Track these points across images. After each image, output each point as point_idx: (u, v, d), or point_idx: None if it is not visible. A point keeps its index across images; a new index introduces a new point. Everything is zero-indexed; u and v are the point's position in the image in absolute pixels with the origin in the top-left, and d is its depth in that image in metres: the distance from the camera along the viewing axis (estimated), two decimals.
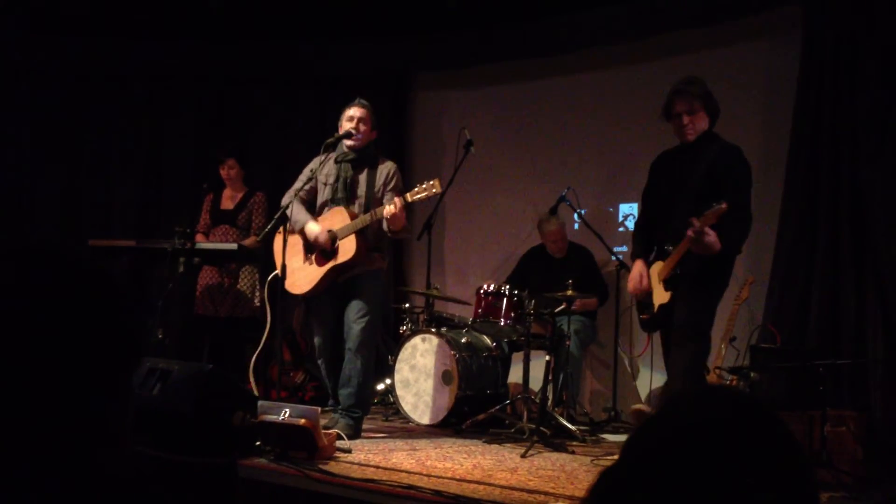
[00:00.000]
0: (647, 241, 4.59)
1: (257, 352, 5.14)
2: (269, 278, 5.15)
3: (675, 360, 4.31)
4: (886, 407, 4.91)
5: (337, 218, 4.92)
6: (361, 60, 7.53)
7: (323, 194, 5.04)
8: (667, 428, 0.93)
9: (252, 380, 5.23)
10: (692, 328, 4.24)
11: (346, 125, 5.00)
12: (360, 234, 4.85)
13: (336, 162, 5.02)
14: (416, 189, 4.79)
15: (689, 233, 4.06)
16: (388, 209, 4.68)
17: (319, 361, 5.18)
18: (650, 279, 4.47)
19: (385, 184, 4.98)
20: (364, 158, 5.02)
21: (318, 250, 4.95)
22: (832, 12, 5.46)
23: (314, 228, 4.90)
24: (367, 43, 7.50)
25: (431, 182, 4.78)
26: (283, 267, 4.78)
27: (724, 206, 3.97)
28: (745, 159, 4.30)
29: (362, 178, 5.00)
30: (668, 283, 4.35)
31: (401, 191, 4.92)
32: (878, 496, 4.06)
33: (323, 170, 5.05)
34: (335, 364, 5.03)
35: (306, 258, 4.99)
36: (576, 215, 6.46)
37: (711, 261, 4.16)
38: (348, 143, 4.99)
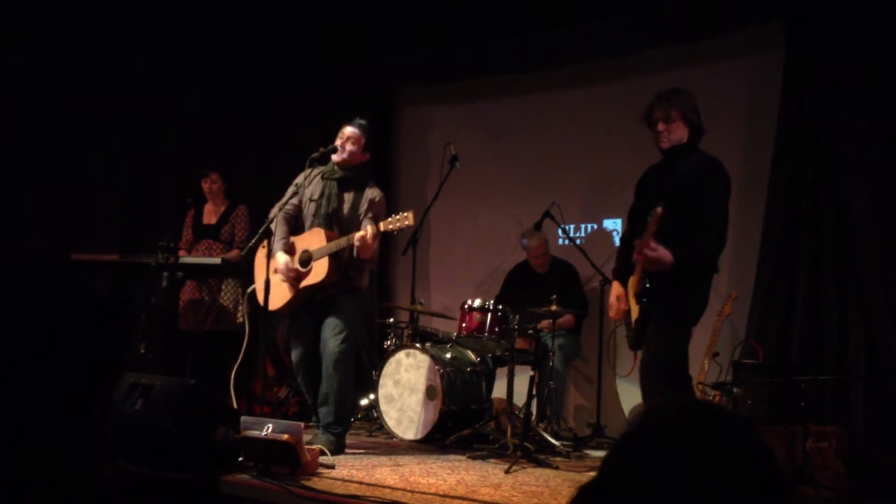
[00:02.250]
0: (626, 261, 4.31)
1: (236, 365, 5.13)
2: (248, 291, 5.16)
3: (651, 395, 4.03)
4: (868, 422, 4.93)
5: (314, 239, 4.92)
6: (346, 75, 7.55)
7: (306, 209, 5.04)
8: (643, 443, 0.94)
9: (233, 394, 5.21)
10: (663, 359, 3.97)
11: (337, 142, 5.01)
12: (335, 255, 4.84)
13: (323, 178, 5.02)
14: (390, 219, 4.75)
15: (635, 255, 3.94)
16: (359, 235, 4.66)
17: (298, 378, 5.17)
18: (627, 299, 4.20)
19: (368, 209, 4.97)
20: (351, 179, 5.02)
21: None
22: (814, 29, 5.51)
23: (281, 260, 4.92)
24: (352, 58, 7.51)
25: (405, 214, 4.71)
26: (268, 282, 4.77)
27: (658, 210, 3.80)
28: (721, 171, 4.05)
29: (347, 198, 5.00)
30: (639, 298, 4.10)
31: (379, 219, 4.87)
32: None
33: (309, 185, 5.04)
34: (314, 380, 5.01)
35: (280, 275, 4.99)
36: (560, 230, 6.49)
37: (683, 279, 3.91)
38: (335, 158, 5.00)
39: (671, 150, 4.12)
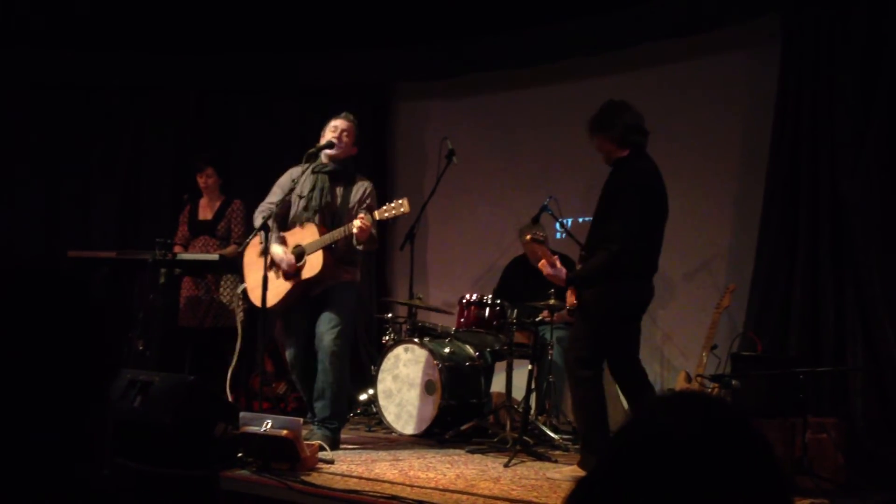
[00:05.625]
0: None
1: (233, 363, 5.13)
2: (240, 289, 5.16)
3: (568, 378, 4.53)
4: (867, 414, 4.94)
5: (307, 234, 4.90)
6: (342, 71, 7.54)
7: (296, 206, 5.02)
8: (641, 435, 0.94)
9: (228, 390, 5.21)
10: (577, 350, 4.38)
11: (328, 135, 5.00)
12: (329, 249, 4.83)
13: (313, 172, 5.01)
14: (385, 207, 4.76)
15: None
16: (357, 225, 4.67)
17: (293, 375, 5.16)
18: None
19: (360, 201, 4.97)
20: (342, 173, 5.02)
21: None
22: (810, 23, 5.51)
23: (277, 251, 4.89)
24: (348, 53, 7.50)
25: (400, 201, 4.74)
26: (265, 279, 4.75)
27: (527, 237, 4.66)
28: (628, 181, 4.32)
29: (338, 192, 4.99)
30: (570, 311, 4.64)
31: (373, 210, 4.91)
32: (859, 503, 4.09)
33: (299, 181, 5.02)
34: (308, 376, 5.00)
35: (274, 272, 4.96)
36: (557, 224, 6.47)
37: (592, 289, 4.32)
38: (329, 152, 4.98)
39: (612, 163, 4.47)
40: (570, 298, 4.47)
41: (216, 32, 7.26)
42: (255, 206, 5.13)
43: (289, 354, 5.09)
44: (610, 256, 4.23)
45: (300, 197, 4.99)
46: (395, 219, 4.88)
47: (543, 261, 4.45)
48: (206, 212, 6.39)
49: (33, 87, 7.68)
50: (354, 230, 4.68)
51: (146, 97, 7.81)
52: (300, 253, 4.88)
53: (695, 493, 0.87)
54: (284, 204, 5.00)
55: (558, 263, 4.43)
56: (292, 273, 4.90)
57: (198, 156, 6.61)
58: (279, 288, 4.93)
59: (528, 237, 4.48)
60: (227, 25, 7.17)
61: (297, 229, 4.97)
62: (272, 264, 4.92)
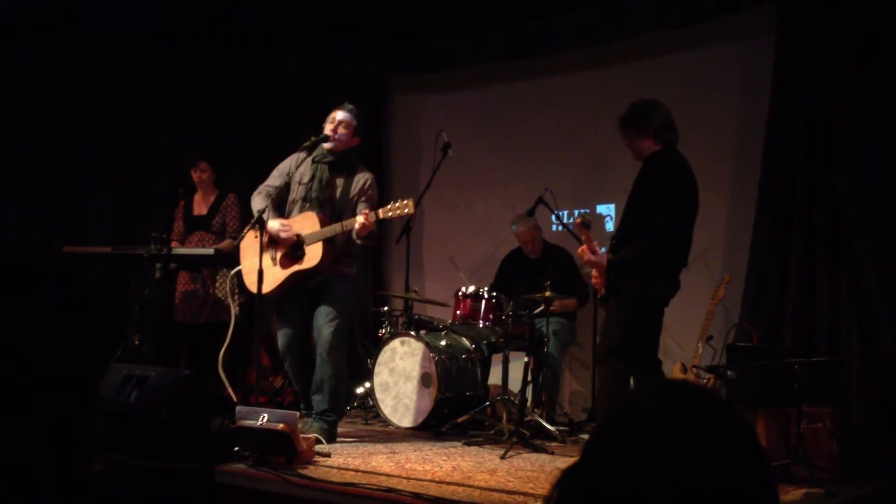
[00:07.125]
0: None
1: (224, 346, 5.15)
2: (233, 273, 5.16)
3: (599, 379, 4.51)
4: (861, 403, 4.94)
5: (307, 222, 4.90)
6: (338, 64, 7.53)
7: (295, 192, 5.02)
8: (626, 425, 0.94)
9: (224, 378, 5.22)
10: (610, 342, 4.39)
11: (327, 127, 5.01)
12: (328, 240, 4.84)
13: (313, 161, 5.02)
14: (389, 206, 4.76)
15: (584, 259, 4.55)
16: (360, 221, 4.67)
17: (285, 365, 5.16)
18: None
19: (360, 192, 4.98)
20: (342, 163, 5.02)
21: (284, 252, 4.94)
22: (805, 13, 5.50)
23: (274, 224, 4.89)
24: (343, 47, 7.49)
25: (405, 202, 4.74)
26: (261, 272, 4.75)
27: (577, 220, 4.52)
28: (672, 179, 4.32)
29: (338, 182, 4.99)
30: (600, 301, 4.60)
31: (374, 203, 4.92)
32: (854, 492, 4.11)
33: (299, 169, 5.03)
34: (302, 367, 5.01)
35: (271, 259, 4.96)
36: (553, 217, 6.48)
37: (628, 273, 4.32)
38: (326, 145, 4.99)
39: (644, 159, 4.46)
40: (600, 290, 4.49)
41: (212, 27, 7.24)
42: (250, 200, 5.13)
43: (281, 344, 5.09)
44: (652, 244, 4.25)
45: (299, 184, 5.00)
46: (398, 218, 4.89)
47: (584, 246, 4.46)
48: (200, 207, 6.38)
49: (32, 84, 7.65)
50: (357, 226, 4.69)
51: (142, 93, 7.79)
52: (299, 243, 4.89)
53: (678, 479, 0.88)
54: (283, 189, 5.00)
55: (599, 249, 4.47)
56: (289, 250, 4.89)
57: (191, 151, 6.60)
58: (275, 276, 4.93)
59: (578, 220, 4.51)
60: (222, 20, 7.15)
61: (297, 217, 4.97)
62: (269, 245, 4.92)
